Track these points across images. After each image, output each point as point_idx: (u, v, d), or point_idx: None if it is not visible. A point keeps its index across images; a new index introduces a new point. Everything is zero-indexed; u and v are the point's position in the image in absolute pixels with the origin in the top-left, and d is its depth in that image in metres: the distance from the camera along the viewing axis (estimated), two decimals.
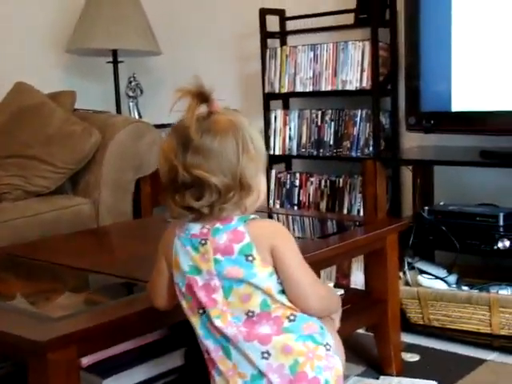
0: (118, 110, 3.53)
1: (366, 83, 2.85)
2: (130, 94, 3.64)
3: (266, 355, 1.14)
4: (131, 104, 3.65)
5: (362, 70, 2.86)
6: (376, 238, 1.97)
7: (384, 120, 2.93)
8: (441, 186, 2.80)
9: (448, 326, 2.39)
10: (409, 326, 2.42)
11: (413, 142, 2.89)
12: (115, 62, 3.51)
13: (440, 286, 2.45)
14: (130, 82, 3.66)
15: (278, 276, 1.16)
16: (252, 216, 1.17)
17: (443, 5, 2.39)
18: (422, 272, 2.52)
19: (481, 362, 2.20)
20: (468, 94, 2.41)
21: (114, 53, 3.48)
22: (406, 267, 2.51)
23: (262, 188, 1.20)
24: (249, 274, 1.13)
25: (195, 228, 1.17)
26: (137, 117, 3.57)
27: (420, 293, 2.41)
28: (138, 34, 3.40)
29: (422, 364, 2.20)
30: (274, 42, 3.20)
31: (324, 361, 1.16)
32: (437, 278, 2.48)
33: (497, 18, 2.32)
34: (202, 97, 1.14)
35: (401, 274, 2.47)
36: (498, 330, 2.30)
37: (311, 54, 3.00)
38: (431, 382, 2.03)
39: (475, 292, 2.36)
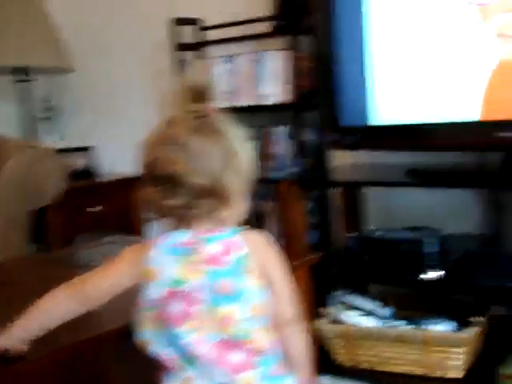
0: (30, 134, 3.22)
1: (286, 97, 2.59)
2: (42, 115, 3.34)
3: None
4: (44, 127, 3.35)
5: (284, 83, 2.60)
6: None
7: (311, 136, 2.66)
8: (372, 206, 2.55)
9: (377, 368, 2.13)
10: (336, 368, 2.15)
11: (343, 159, 2.62)
12: (24, 81, 3.22)
13: (369, 322, 2.18)
14: (45, 102, 3.36)
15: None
16: (242, 227, 1.13)
17: (356, 10, 2.13)
18: (352, 307, 2.24)
19: None
20: (392, 106, 2.15)
21: (24, 70, 3.19)
22: (332, 303, 2.23)
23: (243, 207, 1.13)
24: (242, 287, 1.08)
25: (182, 236, 1.09)
26: (52, 140, 3.26)
27: (345, 331, 2.15)
28: (46, 49, 3.11)
29: None
30: (188, 54, 2.92)
31: None
32: (368, 313, 2.21)
33: (417, 25, 2.06)
34: (198, 96, 1.11)
35: (327, 310, 2.21)
36: (433, 371, 2.04)
37: (228, 66, 2.73)
38: None
39: (407, 328, 2.09)
